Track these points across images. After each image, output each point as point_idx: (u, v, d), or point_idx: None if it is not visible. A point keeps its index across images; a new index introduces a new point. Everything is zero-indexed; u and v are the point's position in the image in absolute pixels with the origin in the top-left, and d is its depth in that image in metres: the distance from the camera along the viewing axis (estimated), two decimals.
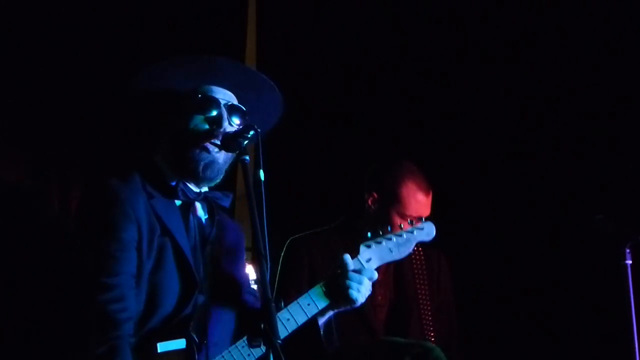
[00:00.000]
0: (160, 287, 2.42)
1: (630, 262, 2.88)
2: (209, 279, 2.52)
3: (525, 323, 3.76)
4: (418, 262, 3.45)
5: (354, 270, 2.56)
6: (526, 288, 3.76)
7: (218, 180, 2.58)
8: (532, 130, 3.87)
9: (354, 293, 2.54)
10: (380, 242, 2.66)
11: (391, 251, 2.68)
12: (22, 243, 3.05)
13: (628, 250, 2.90)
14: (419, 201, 3.27)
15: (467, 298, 3.56)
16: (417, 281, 3.43)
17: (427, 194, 3.30)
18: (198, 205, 2.58)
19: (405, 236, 2.71)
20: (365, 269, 2.59)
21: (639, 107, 3.62)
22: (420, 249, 3.41)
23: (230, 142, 2.47)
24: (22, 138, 3.45)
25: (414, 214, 3.24)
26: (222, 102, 2.55)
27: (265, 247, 2.24)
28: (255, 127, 2.44)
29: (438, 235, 2.75)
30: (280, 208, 2.83)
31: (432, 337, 3.38)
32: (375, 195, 3.34)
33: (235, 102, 2.59)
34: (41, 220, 3.04)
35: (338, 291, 2.54)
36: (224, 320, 2.53)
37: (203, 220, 2.59)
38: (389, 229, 2.71)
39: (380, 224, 3.26)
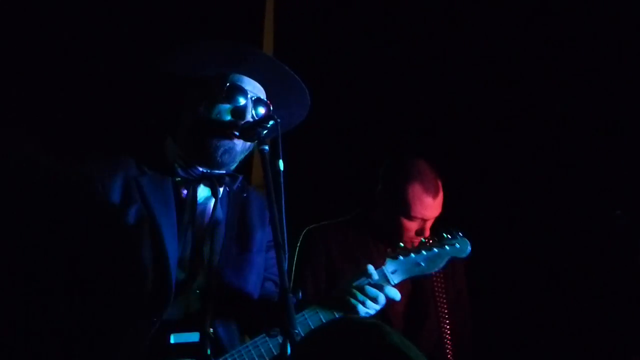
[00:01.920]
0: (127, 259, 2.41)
1: None
2: (215, 263, 2.50)
3: (540, 316, 3.75)
4: None
5: (375, 284, 2.51)
6: (542, 282, 3.75)
7: (232, 167, 2.58)
8: (550, 126, 3.85)
9: (362, 311, 2.49)
10: (409, 255, 2.59)
11: (419, 265, 2.60)
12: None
13: None
14: (424, 204, 3.23)
15: (482, 294, 3.55)
16: (434, 273, 3.42)
17: (434, 196, 3.25)
18: (202, 185, 2.56)
19: (437, 251, 2.63)
20: (386, 287, 2.52)
21: None
22: (445, 232, 3.38)
23: (249, 131, 2.47)
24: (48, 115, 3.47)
25: (420, 216, 3.23)
26: (250, 94, 2.54)
27: (283, 237, 2.24)
28: (276, 117, 2.44)
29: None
30: (298, 198, 2.82)
31: (448, 329, 3.38)
32: (384, 193, 3.32)
33: (263, 95, 2.58)
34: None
35: (350, 305, 2.49)
36: (232, 309, 2.52)
37: (203, 199, 2.56)
38: (423, 240, 2.64)
39: (389, 221, 3.27)
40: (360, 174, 3.84)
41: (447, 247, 2.62)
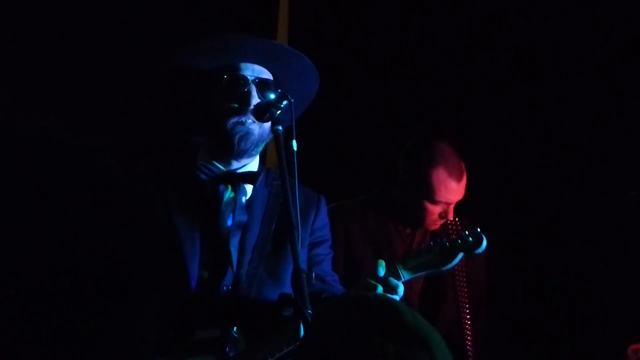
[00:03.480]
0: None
1: None
2: (246, 262, 2.48)
3: (555, 298, 3.72)
4: (455, 234, 3.41)
5: (382, 280, 2.43)
6: (556, 264, 3.72)
7: (255, 154, 2.55)
8: (568, 106, 3.80)
9: None
10: (420, 254, 2.54)
11: (433, 262, 2.53)
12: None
13: None
14: (449, 188, 3.19)
15: (498, 277, 3.52)
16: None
17: (459, 181, 3.20)
18: (226, 185, 2.54)
19: (448, 246, 2.55)
20: (392, 280, 2.44)
21: None
22: (458, 220, 3.36)
23: (262, 112, 2.46)
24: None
25: (444, 200, 3.20)
26: (250, 78, 2.53)
27: (297, 217, 2.23)
28: (289, 96, 2.43)
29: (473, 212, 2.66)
30: (315, 178, 2.80)
31: (467, 309, 3.35)
32: (407, 176, 3.28)
33: (266, 75, 2.56)
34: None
35: None
36: (264, 307, 2.47)
37: (228, 199, 2.53)
38: (432, 244, 2.57)
39: (412, 204, 3.25)
40: (378, 154, 3.81)
41: (459, 241, 2.54)
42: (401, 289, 2.43)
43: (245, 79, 2.52)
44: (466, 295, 3.38)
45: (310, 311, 2.03)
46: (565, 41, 3.83)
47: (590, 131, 3.74)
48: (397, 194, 3.33)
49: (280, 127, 2.39)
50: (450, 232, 3.40)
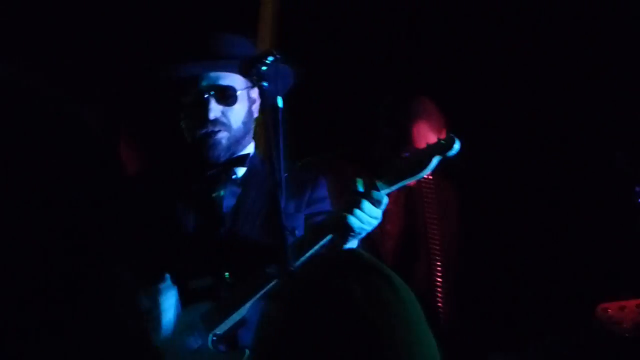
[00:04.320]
0: None
1: None
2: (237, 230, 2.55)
3: (535, 256, 3.77)
4: (429, 193, 3.44)
5: (364, 194, 2.38)
6: (539, 222, 3.76)
7: (235, 153, 2.63)
8: (552, 66, 3.81)
9: (355, 222, 2.36)
10: (395, 164, 2.43)
11: (409, 169, 2.42)
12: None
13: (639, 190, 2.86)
14: (430, 141, 3.22)
15: (475, 234, 3.56)
16: (427, 212, 3.42)
17: (439, 134, 3.22)
18: (216, 175, 2.62)
19: (423, 151, 2.44)
20: (374, 193, 2.38)
21: None
22: (431, 178, 3.37)
23: (248, 67, 2.46)
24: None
25: None
26: (206, 89, 2.56)
27: (281, 175, 2.25)
28: (275, 52, 2.43)
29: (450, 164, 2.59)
30: (296, 136, 2.81)
31: (439, 270, 3.39)
32: (387, 130, 3.29)
33: (224, 81, 2.59)
34: None
35: (341, 223, 2.37)
36: (253, 252, 2.53)
37: (219, 188, 2.62)
38: (407, 154, 2.48)
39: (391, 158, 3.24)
40: (358, 110, 3.81)
41: (432, 145, 2.43)
42: (385, 200, 2.40)
43: (200, 92, 2.56)
44: (438, 253, 3.42)
45: (293, 268, 2.07)
46: (546, 32, 3.84)
47: (577, 94, 3.76)
48: (376, 147, 3.33)
49: (266, 84, 2.40)
50: (426, 189, 3.43)
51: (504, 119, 3.89)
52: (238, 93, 2.59)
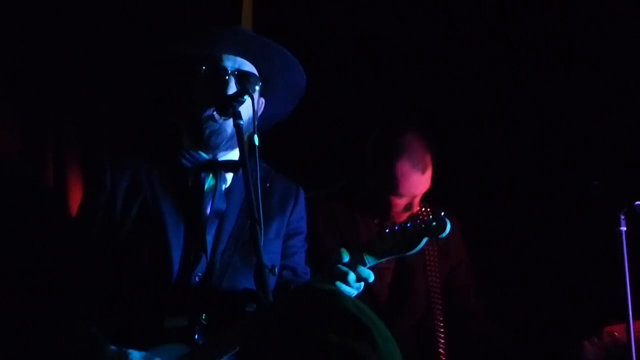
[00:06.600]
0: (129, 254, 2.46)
1: (624, 228, 2.85)
2: (220, 250, 2.50)
3: (520, 286, 3.76)
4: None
5: (347, 264, 2.38)
6: (520, 252, 3.76)
7: (231, 148, 2.56)
8: (531, 94, 3.82)
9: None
10: (384, 239, 2.44)
11: (397, 247, 2.43)
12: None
13: (623, 217, 2.87)
14: (412, 181, 3.20)
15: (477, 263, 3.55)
16: (426, 249, 3.34)
17: (423, 172, 3.20)
18: (207, 173, 2.56)
19: (412, 229, 2.44)
20: (359, 269, 2.37)
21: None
22: (429, 209, 3.36)
23: (224, 106, 2.47)
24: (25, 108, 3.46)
25: (407, 194, 3.21)
26: (230, 69, 2.53)
27: (259, 211, 2.24)
28: (250, 91, 2.44)
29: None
30: (285, 169, 2.80)
31: (439, 303, 3.36)
32: (372, 167, 3.28)
33: (247, 67, 2.57)
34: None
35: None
36: (235, 296, 2.48)
37: (210, 187, 2.55)
38: (397, 228, 2.45)
39: (377, 197, 3.23)
40: (343, 143, 3.80)
41: (423, 225, 2.43)
42: (371, 279, 2.40)
43: (224, 69, 2.53)
44: (438, 286, 3.39)
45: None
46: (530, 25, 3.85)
47: (554, 120, 3.77)
48: (364, 185, 3.33)
49: (241, 122, 2.40)
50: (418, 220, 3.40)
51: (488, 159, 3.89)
52: (257, 87, 2.56)
